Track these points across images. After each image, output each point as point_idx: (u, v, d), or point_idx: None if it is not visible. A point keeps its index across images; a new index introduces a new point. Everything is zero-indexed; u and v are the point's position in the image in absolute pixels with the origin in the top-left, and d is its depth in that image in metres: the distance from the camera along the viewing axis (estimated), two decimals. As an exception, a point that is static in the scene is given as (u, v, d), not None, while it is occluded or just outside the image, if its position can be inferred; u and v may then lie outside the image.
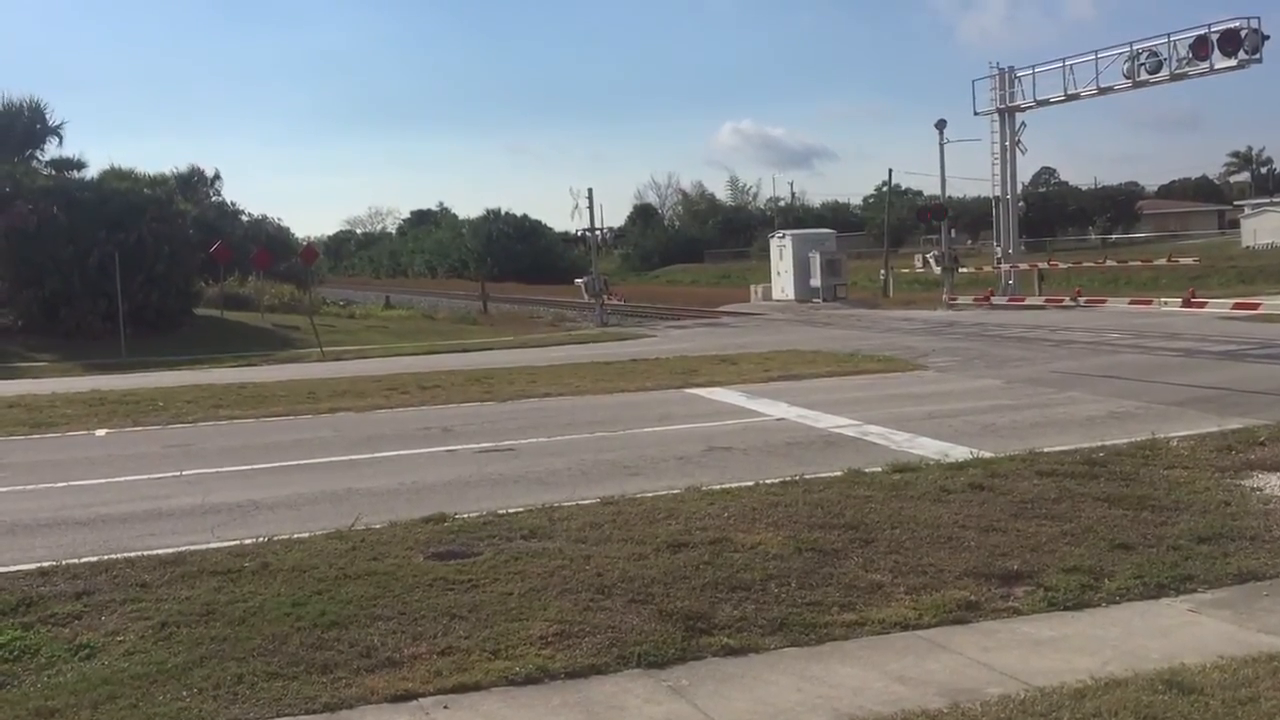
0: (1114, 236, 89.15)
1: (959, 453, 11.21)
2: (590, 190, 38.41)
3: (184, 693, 5.68)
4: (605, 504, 9.25)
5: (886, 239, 56.15)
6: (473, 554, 7.87)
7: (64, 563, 8.03)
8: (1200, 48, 29.31)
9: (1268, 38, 28.46)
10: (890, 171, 66.47)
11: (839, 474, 10.15)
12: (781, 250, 44.19)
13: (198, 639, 6.38)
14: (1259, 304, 25.34)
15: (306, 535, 8.58)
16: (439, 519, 8.84)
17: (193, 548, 8.37)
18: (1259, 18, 28.48)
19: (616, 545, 7.97)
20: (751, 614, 6.62)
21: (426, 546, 8.08)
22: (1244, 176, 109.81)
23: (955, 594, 6.86)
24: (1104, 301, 31.72)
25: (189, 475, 11.66)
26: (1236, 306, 25.61)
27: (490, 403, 16.74)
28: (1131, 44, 31.40)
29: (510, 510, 9.18)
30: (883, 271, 48.25)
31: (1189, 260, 45.25)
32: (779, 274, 44.27)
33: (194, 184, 62.95)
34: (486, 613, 6.68)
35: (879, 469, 10.29)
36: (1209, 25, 29.34)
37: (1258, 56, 28.50)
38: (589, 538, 8.19)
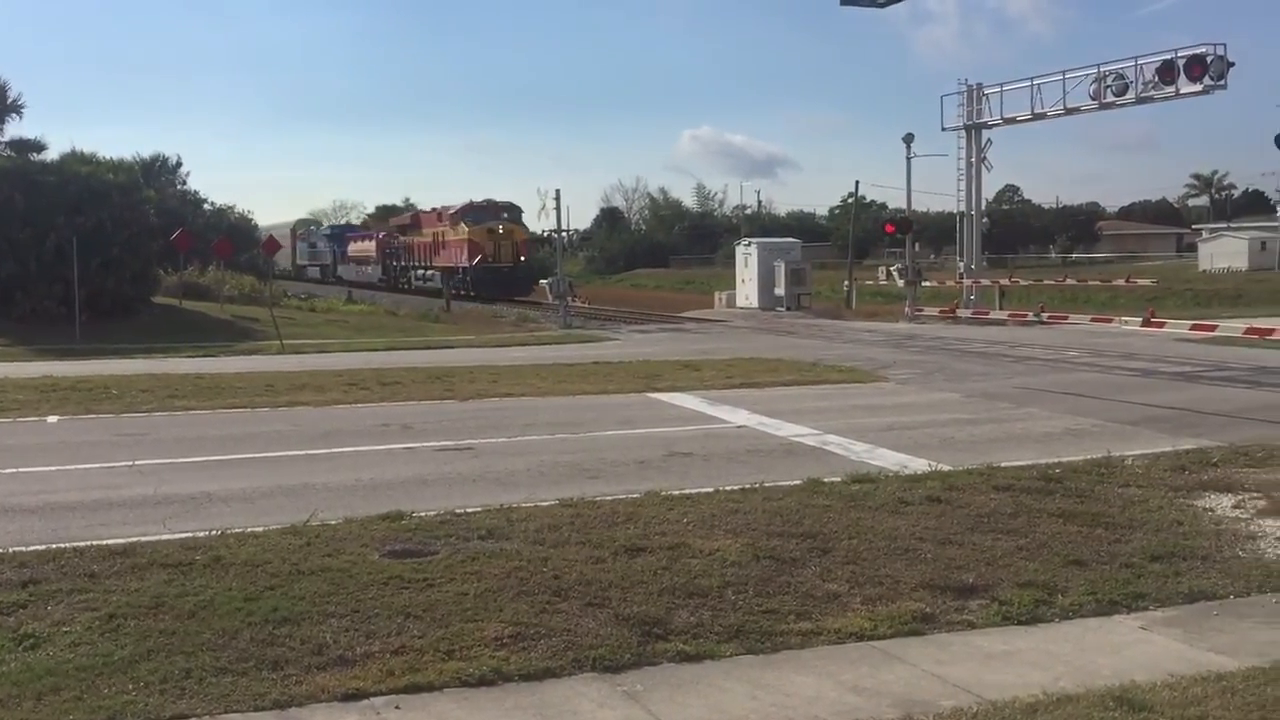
0: (1074, 255, 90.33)
1: (917, 465, 11.27)
2: (558, 191, 38.31)
3: (130, 686, 5.58)
4: (564, 506, 9.22)
5: (851, 250, 56.54)
6: (429, 553, 7.81)
7: (10, 550, 7.89)
8: (1166, 72, 29.76)
9: (1233, 64, 28.95)
10: (857, 184, 67.34)
11: (798, 483, 10.17)
12: (747, 258, 44.33)
13: (146, 632, 6.28)
14: (1216, 326, 25.69)
15: (260, 530, 8.49)
16: (396, 517, 8.77)
17: (143, 539, 8.24)
18: (1224, 44, 29.05)
19: (574, 548, 7.93)
20: (708, 620, 6.61)
21: (382, 544, 8.01)
22: (1203, 200, 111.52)
23: (911, 605, 6.89)
24: (1065, 319, 32.05)
25: (142, 465, 11.50)
26: (1194, 328, 25.94)
27: (451, 401, 16.64)
28: (1099, 66, 31.86)
29: (468, 510, 9.12)
30: (846, 282, 48.52)
31: (1147, 281, 45.84)
32: (744, 281, 44.40)
33: (157, 171, 62.30)
34: (441, 612, 6.62)
35: (838, 479, 10.32)
36: (1176, 50, 29.83)
37: (1223, 83, 28.97)
38: (547, 539, 8.15)
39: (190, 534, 8.39)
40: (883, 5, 24.34)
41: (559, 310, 37.84)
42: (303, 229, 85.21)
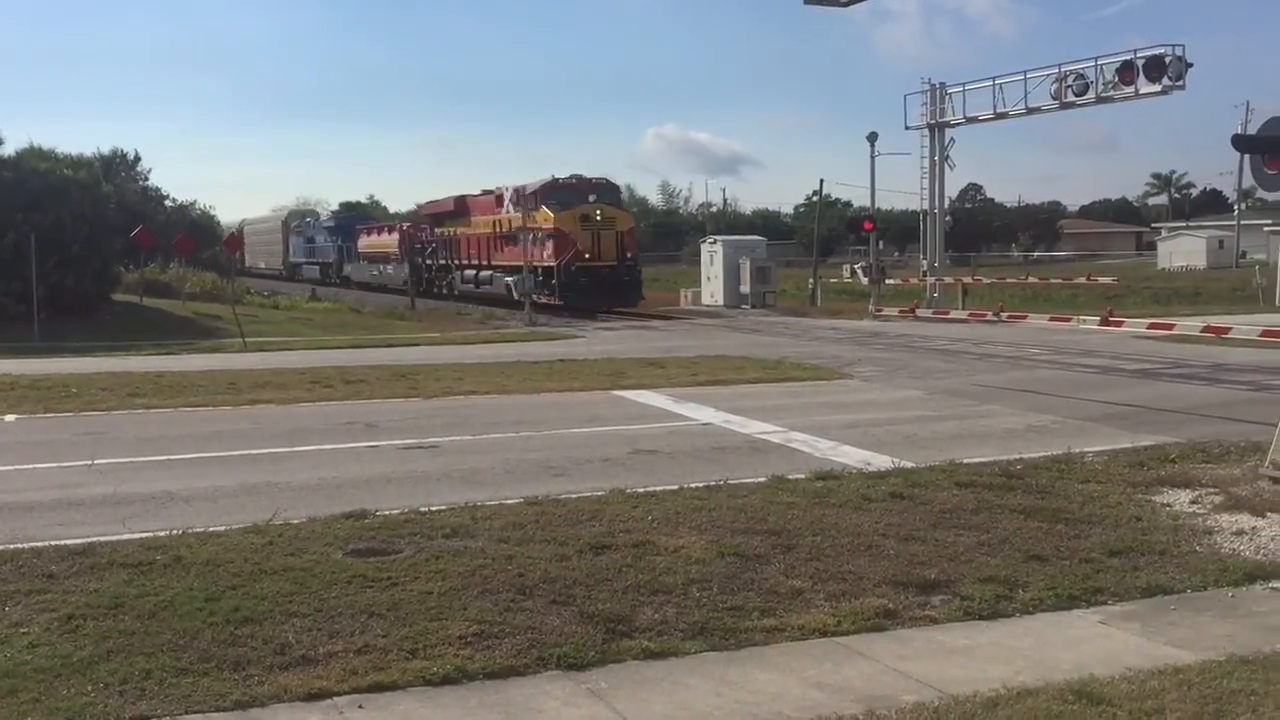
0: (1036, 254, 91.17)
1: (881, 462, 11.34)
2: (524, 188, 38.12)
3: (89, 687, 5.52)
4: (529, 504, 9.21)
5: (816, 248, 56.78)
6: (393, 551, 7.78)
7: (-33, 551, 7.78)
8: (1126, 73, 30.09)
9: (1191, 65, 29.33)
10: (821, 182, 66.80)
11: (763, 480, 10.21)
12: (712, 256, 44.42)
13: (105, 632, 6.22)
14: (1173, 324, 26.03)
15: (222, 529, 8.43)
16: (359, 515, 8.73)
17: (103, 539, 8.16)
18: (1183, 45, 29.40)
19: (539, 546, 7.93)
20: (672, 618, 6.62)
21: (346, 543, 7.97)
22: (1162, 199, 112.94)
23: (874, 601, 6.93)
24: (1025, 318, 32.34)
25: (101, 464, 11.37)
26: (1152, 326, 26.26)
27: (415, 399, 16.58)
28: (1060, 66, 32.13)
29: (432, 508, 9.09)
30: (811, 280, 48.72)
31: (1107, 280, 46.38)
32: (709, 279, 44.50)
33: (116, 167, 61.63)
34: (405, 611, 6.60)
35: (802, 476, 10.37)
36: (1135, 51, 30.19)
37: (1181, 83, 29.32)
38: (511, 538, 8.14)
39: (151, 534, 8.32)
40: (845, 4, 24.46)
41: (524, 308, 37.71)
42: (297, 221, 71.64)
